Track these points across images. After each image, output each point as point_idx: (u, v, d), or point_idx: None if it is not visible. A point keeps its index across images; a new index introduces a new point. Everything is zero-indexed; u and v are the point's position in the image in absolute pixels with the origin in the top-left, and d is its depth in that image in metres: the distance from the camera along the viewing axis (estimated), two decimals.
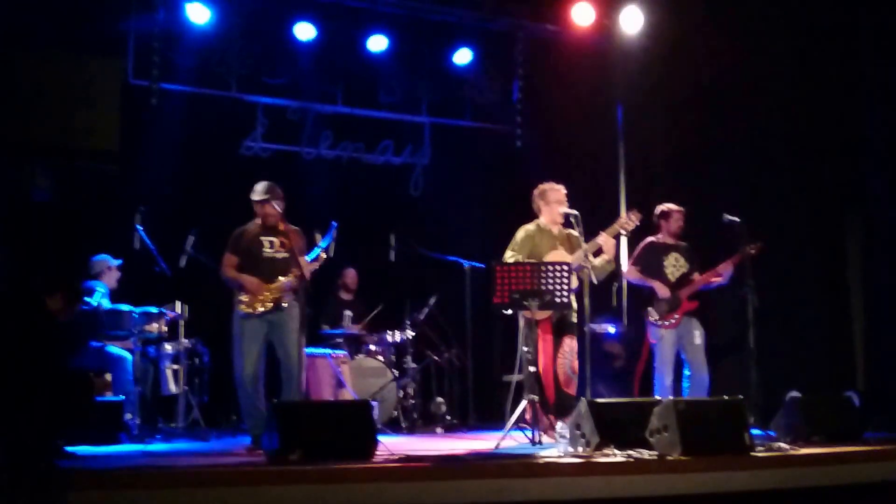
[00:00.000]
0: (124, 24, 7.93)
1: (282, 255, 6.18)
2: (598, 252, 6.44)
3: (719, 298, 7.57)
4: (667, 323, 7.00)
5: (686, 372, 7.03)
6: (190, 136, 8.25)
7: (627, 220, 6.64)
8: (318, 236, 6.18)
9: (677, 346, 7.02)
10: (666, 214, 7.22)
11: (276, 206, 6.14)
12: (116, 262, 7.22)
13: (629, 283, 7.49)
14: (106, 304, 6.94)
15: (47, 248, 6.94)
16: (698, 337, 7.00)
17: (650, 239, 7.27)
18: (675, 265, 7.15)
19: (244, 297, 6.08)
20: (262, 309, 6.07)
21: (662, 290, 7.04)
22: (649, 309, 7.09)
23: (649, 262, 7.18)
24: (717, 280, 7.05)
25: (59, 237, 7.33)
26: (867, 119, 8.10)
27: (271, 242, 6.22)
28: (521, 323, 6.38)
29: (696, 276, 7.10)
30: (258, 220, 6.26)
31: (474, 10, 9.01)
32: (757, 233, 7.04)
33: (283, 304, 6.11)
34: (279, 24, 8.56)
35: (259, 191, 6.21)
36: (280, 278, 6.10)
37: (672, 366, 6.99)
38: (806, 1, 8.20)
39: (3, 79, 6.32)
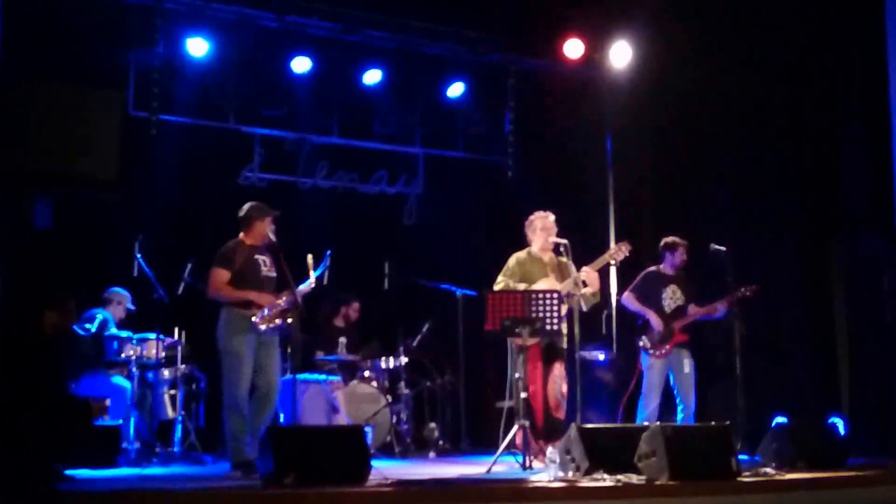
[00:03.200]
0: (125, 57, 8.06)
1: (273, 274, 6.27)
2: (585, 283, 6.55)
3: (706, 325, 7.69)
4: (657, 352, 7.10)
5: (678, 400, 7.13)
6: (188, 166, 8.36)
7: (617, 250, 6.77)
8: (309, 258, 6.24)
9: (666, 374, 7.13)
10: (671, 247, 7.29)
11: (273, 224, 6.27)
12: (130, 305, 7.35)
13: (625, 310, 7.53)
14: (113, 330, 7.06)
15: (48, 274, 7.04)
16: (687, 366, 7.11)
17: (652, 268, 7.36)
18: (672, 297, 7.23)
19: (255, 313, 6.06)
20: (273, 324, 6.11)
21: (657, 322, 7.13)
22: (643, 337, 7.18)
23: (648, 291, 7.26)
24: (712, 315, 7.15)
25: (60, 264, 7.43)
26: (848, 154, 8.27)
27: (265, 261, 6.30)
28: (512, 349, 6.50)
29: (691, 308, 7.19)
30: (247, 239, 6.30)
31: (467, 44, 9.16)
32: (743, 264, 7.18)
33: (286, 321, 6.16)
34: (276, 57, 8.68)
35: (262, 207, 6.31)
36: (279, 297, 6.18)
37: (658, 393, 7.08)
38: (788, 37, 8.39)
39: (6, 109, 6.45)
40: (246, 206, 6.37)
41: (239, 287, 6.15)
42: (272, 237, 6.27)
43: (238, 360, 6.05)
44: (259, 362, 6.13)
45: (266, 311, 6.09)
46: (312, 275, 6.22)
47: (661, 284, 7.26)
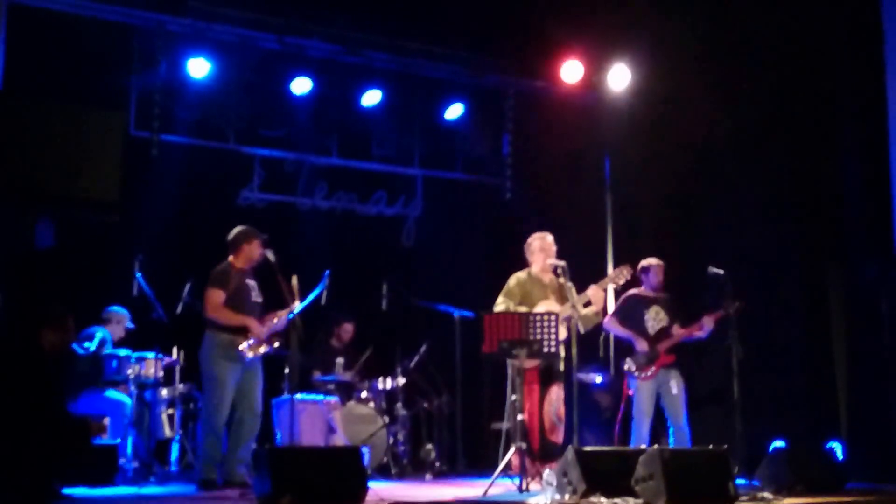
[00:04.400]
0: (127, 78, 8.13)
1: (260, 300, 6.35)
2: (587, 303, 6.55)
3: (704, 349, 7.70)
4: (643, 375, 7.08)
5: (668, 422, 7.12)
6: (189, 186, 8.41)
7: (619, 274, 6.81)
8: (294, 281, 6.24)
9: (655, 397, 7.10)
10: (646, 269, 7.33)
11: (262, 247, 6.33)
12: (129, 324, 7.37)
13: (608, 334, 7.56)
14: (108, 349, 7.07)
15: (48, 294, 7.06)
16: (675, 387, 7.07)
17: (632, 291, 7.38)
18: (655, 318, 7.23)
19: (246, 341, 6.14)
20: (259, 352, 6.18)
21: (640, 344, 7.14)
22: (627, 360, 7.18)
23: (629, 314, 7.28)
24: (697, 334, 7.15)
25: (60, 284, 7.45)
26: (847, 178, 8.31)
27: (253, 286, 6.37)
28: (510, 371, 6.50)
29: (675, 329, 7.19)
30: (236, 263, 6.36)
31: (465, 66, 9.23)
32: (741, 287, 7.19)
33: (273, 346, 6.22)
34: (276, 78, 8.74)
35: (251, 231, 6.35)
36: (266, 322, 6.24)
37: (649, 416, 7.05)
38: (787, 62, 8.45)
39: (9, 130, 6.50)
40: (234, 230, 6.45)
41: (232, 310, 6.20)
42: (271, 258, 6.31)
43: (220, 387, 6.15)
44: (242, 389, 6.22)
45: (254, 341, 6.16)
46: (297, 303, 6.25)
47: (642, 306, 7.27)
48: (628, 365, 7.16)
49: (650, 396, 7.07)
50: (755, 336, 7.53)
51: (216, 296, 6.22)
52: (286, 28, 8.52)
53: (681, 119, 8.74)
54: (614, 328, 7.36)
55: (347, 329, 8.65)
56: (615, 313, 7.38)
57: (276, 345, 6.28)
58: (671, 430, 7.08)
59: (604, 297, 6.62)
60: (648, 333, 7.20)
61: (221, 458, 6.20)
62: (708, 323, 7.08)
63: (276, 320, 6.31)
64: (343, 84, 9.01)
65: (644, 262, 7.38)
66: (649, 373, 7.09)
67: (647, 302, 7.30)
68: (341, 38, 8.74)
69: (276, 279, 6.31)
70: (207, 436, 6.18)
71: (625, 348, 7.35)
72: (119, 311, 7.37)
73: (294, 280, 6.28)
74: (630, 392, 7.17)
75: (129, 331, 7.40)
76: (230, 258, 6.41)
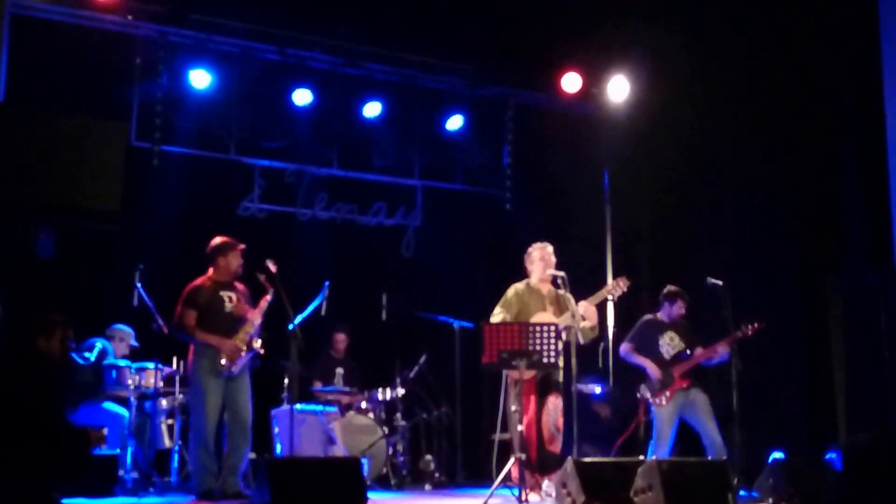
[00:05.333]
0: (129, 89, 8.16)
1: (238, 311, 6.37)
2: (584, 317, 6.56)
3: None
4: (658, 401, 7.01)
5: (701, 438, 6.95)
6: (189, 196, 8.43)
7: (615, 286, 6.79)
8: (271, 264, 6.28)
9: (675, 421, 6.98)
10: (671, 297, 7.18)
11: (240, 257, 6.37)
12: (134, 342, 7.39)
13: (624, 362, 7.42)
14: (109, 359, 7.08)
15: (49, 305, 7.07)
16: (699, 405, 6.94)
17: (648, 317, 7.30)
18: (670, 343, 7.14)
19: (222, 358, 6.21)
20: (239, 364, 6.22)
21: (654, 371, 7.04)
22: (642, 386, 7.10)
23: (645, 339, 7.18)
24: (714, 358, 6.99)
25: (61, 294, 7.47)
26: (845, 189, 8.34)
27: (230, 297, 6.40)
28: (507, 382, 6.51)
29: (698, 350, 7.02)
30: (213, 276, 6.42)
31: (465, 77, 9.27)
32: (740, 298, 7.19)
33: (252, 350, 6.28)
34: (277, 89, 8.77)
35: (227, 243, 6.42)
36: (241, 333, 6.28)
37: (667, 440, 6.96)
38: (786, 73, 8.49)
39: (9, 140, 6.51)
40: (211, 243, 6.48)
41: (203, 325, 6.29)
42: (272, 268, 6.32)
43: (204, 398, 6.23)
44: (228, 400, 6.30)
45: (226, 362, 6.22)
46: (270, 294, 6.33)
47: (657, 331, 7.18)
48: (643, 391, 7.09)
49: (668, 422, 6.96)
50: (754, 347, 7.53)
51: (185, 315, 6.33)
52: (287, 40, 8.56)
53: (679, 130, 8.77)
54: (629, 356, 7.22)
55: (340, 339, 8.67)
56: (630, 340, 7.26)
57: (259, 347, 6.31)
58: (706, 446, 6.92)
59: (595, 312, 6.55)
60: (664, 358, 7.09)
61: (217, 468, 6.21)
62: (724, 347, 6.90)
63: (249, 329, 6.34)
64: (344, 95, 9.04)
65: (671, 289, 7.21)
66: (664, 399, 6.99)
67: (663, 327, 7.20)
68: (342, 50, 8.78)
69: (277, 290, 6.33)
70: (197, 448, 6.25)
71: (636, 371, 7.30)
72: (123, 329, 7.37)
73: (271, 265, 6.29)
74: (643, 418, 7.11)
75: (133, 349, 7.40)
76: (209, 271, 6.46)
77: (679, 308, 7.19)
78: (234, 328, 6.32)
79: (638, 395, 7.16)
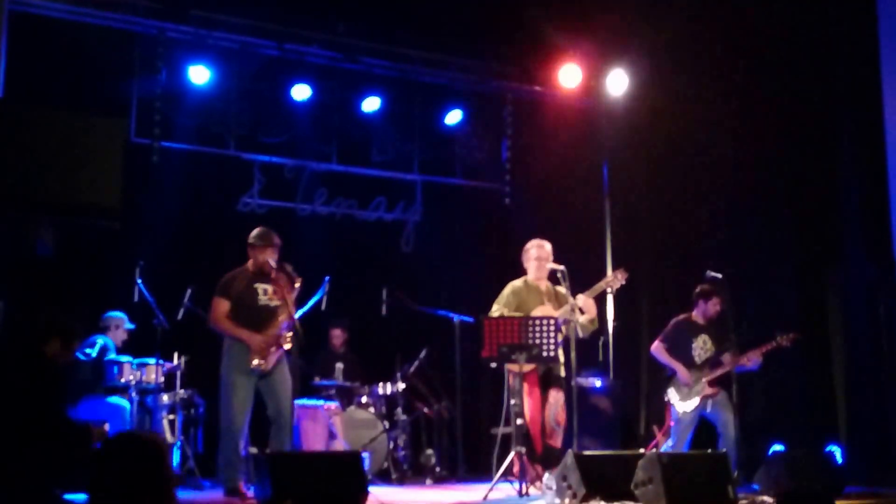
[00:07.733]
0: (128, 85, 8.16)
1: (275, 303, 6.28)
2: (582, 310, 6.55)
3: None
4: (685, 406, 6.95)
5: (718, 430, 6.94)
6: (189, 192, 8.43)
7: (614, 278, 6.78)
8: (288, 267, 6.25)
9: (694, 426, 6.95)
10: (706, 294, 7.08)
11: (275, 253, 6.32)
12: (128, 325, 7.38)
13: (654, 360, 7.34)
14: (113, 355, 7.10)
15: (49, 301, 7.09)
16: (726, 409, 6.86)
17: (682, 317, 7.21)
18: (702, 347, 7.06)
19: (253, 356, 6.13)
20: (270, 362, 6.16)
21: (685, 376, 6.95)
22: (670, 390, 7.04)
23: (677, 342, 7.09)
24: (746, 366, 6.86)
25: (62, 291, 7.48)
26: (844, 182, 8.34)
27: (265, 290, 6.31)
28: (509, 376, 6.52)
29: (726, 358, 6.89)
30: (250, 267, 6.36)
31: (464, 72, 9.27)
32: (738, 291, 7.19)
33: (281, 357, 6.21)
34: (276, 85, 8.77)
35: (262, 236, 6.35)
36: (275, 326, 6.21)
37: (685, 443, 6.93)
38: (784, 65, 8.48)
39: (9, 137, 6.52)
40: (252, 233, 6.43)
41: (236, 317, 6.21)
42: (272, 264, 6.31)
43: (233, 393, 6.15)
44: (267, 395, 6.21)
45: (257, 360, 6.14)
46: (312, 300, 6.22)
47: (690, 334, 7.08)
48: (670, 395, 7.04)
49: (690, 426, 6.93)
50: (753, 339, 7.53)
51: (218, 305, 6.25)
52: (286, 35, 8.56)
53: (678, 123, 8.77)
54: (661, 356, 7.13)
55: (336, 335, 8.69)
56: (664, 339, 7.16)
57: (288, 345, 6.26)
58: (720, 434, 6.91)
59: (594, 304, 6.54)
60: (695, 362, 7.01)
61: (241, 462, 6.16)
62: (756, 356, 6.82)
63: (283, 317, 6.27)
64: (342, 90, 9.05)
65: (706, 287, 7.08)
66: (691, 404, 6.92)
67: (697, 330, 7.10)
68: (341, 45, 8.78)
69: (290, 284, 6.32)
70: (221, 439, 6.18)
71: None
72: (116, 316, 7.37)
73: (288, 268, 6.28)
74: (672, 423, 7.02)
75: (131, 331, 7.39)
76: (248, 262, 6.43)
77: (714, 305, 7.07)
78: (267, 321, 6.24)
79: (665, 399, 7.11)
